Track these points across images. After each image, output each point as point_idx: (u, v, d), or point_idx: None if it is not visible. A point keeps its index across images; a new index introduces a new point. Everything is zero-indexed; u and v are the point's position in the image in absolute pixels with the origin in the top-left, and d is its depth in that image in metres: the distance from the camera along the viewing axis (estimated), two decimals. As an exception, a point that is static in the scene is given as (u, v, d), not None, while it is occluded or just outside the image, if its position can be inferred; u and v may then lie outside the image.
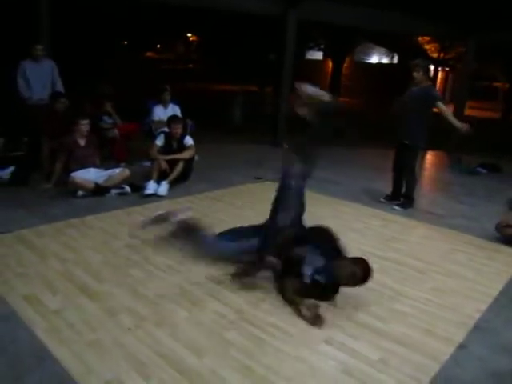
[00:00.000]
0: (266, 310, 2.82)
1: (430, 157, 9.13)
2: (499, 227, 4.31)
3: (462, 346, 2.58)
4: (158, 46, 31.24)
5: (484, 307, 3.03)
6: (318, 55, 26.01)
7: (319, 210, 4.86)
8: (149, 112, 6.60)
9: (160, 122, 6.31)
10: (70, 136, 4.94)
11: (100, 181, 4.86)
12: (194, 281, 3.13)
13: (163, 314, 2.70)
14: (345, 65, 19.93)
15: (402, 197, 5.30)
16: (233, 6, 8.10)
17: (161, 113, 6.50)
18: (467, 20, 8.87)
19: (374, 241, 4.12)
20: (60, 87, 5.94)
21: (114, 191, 4.90)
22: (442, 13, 8.71)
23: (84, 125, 4.93)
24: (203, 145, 6.85)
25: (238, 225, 3.54)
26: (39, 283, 2.95)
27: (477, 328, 2.78)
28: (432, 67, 21.27)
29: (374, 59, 27.48)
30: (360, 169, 7.30)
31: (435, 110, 5.03)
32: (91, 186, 4.76)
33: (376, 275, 3.38)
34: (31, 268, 3.15)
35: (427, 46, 19.42)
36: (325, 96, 3.06)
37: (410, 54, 15.28)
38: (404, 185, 5.28)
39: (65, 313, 2.63)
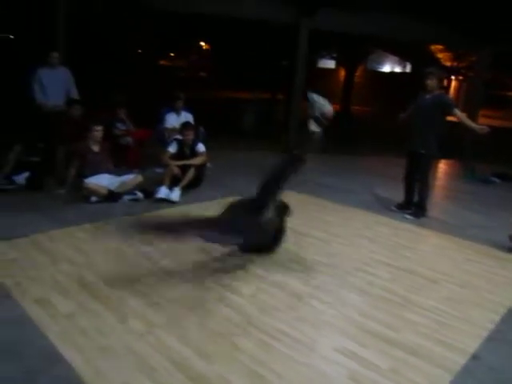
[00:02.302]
0: (276, 316, 2.81)
1: (442, 165, 9.06)
2: (513, 237, 4.25)
3: (474, 357, 2.54)
4: (172, 54, 31.52)
5: (497, 318, 2.99)
6: (331, 64, 26.04)
7: (329, 218, 4.86)
8: (162, 119, 6.66)
9: (173, 130, 6.36)
10: (83, 142, 5.01)
11: (113, 187, 4.91)
12: (206, 287, 3.14)
13: (174, 320, 2.71)
14: (357, 73, 19.90)
15: (413, 206, 5.26)
16: (246, 14, 8.18)
17: (174, 120, 6.55)
18: (481, 29, 8.83)
19: (384, 249, 4.09)
20: (75, 94, 6.03)
21: (126, 197, 4.94)
22: (455, 21, 8.68)
23: (98, 131, 4.99)
24: (216, 152, 6.89)
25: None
26: (51, 287, 2.98)
27: (490, 339, 2.74)
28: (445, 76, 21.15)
29: (386, 68, 27.42)
30: (371, 177, 7.27)
31: (450, 117, 5.00)
32: (104, 191, 4.81)
33: (387, 284, 3.38)
34: (44, 272, 3.19)
35: (440, 55, 19.30)
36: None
37: (423, 62, 15.21)
38: (416, 193, 5.25)
39: (77, 317, 2.66)
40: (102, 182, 4.88)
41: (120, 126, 6.33)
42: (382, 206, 5.48)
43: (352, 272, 3.54)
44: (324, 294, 3.16)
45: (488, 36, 8.93)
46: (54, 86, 5.87)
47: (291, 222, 4.32)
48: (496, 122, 20.01)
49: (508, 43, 9.03)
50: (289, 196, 5.56)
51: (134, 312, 2.76)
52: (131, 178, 5.02)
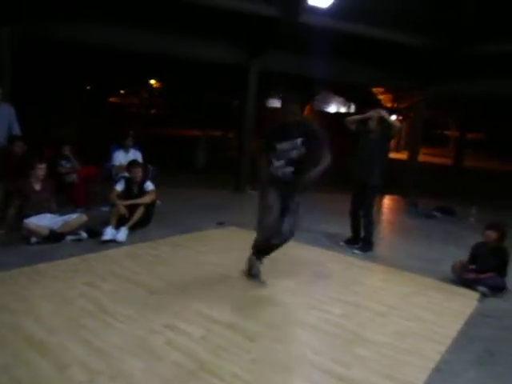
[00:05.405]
0: (227, 358, 2.73)
1: (386, 201, 9.42)
2: (455, 269, 4.43)
3: (423, 390, 2.57)
4: (122, 91, 31.40)
5: (444, 349, 3.06)
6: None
7: (279, 255, 4.86)
8: (110, 156, 6.54)
9: (121, 167, 6.25)
10: (24, 180, 4.80)
11: (55, 227, 4.69)
12: (153, 330, 3.01)
13: (119, 367, 2.56)
14: (305, 113, 20.64)
15: (361, 240, 5.39)
16: (197, 56, 8.35)
17: (122, 157, 6.45)
18: (419, 72, 9.47)
19: (335, 285, 4.13)
20: (17, 130, 5.81)
21: (69, 237, 4.73)
22: (397, 65, 9.28)
23: (41, 169, 4.80)
24: (165, 189, 6.81)
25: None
26: (-16, 337, 2.76)
27: (437, 370, 2.79)
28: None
29: (332, 108, 28.64)
30: (318, 213, 7.38)
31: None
32: (45, 231, 4.58)
33: (337, 319, 3.40)
34: (-24, 320, 2.95)
35: (381, 97, 20.49)
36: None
37: (366, 103, 16.07)
38: (363, 229, 5.39)
39: (11, 369, 2.45)
40: (44, 221, 4.66)
41: (65, 163, 6.15)
42: (331, 242, 5.58)
43: (304, 309, 3.53)
44: (276, 332, 3.12)
45: (426, 78, 9.59)
46: (-4, 122, 5.64)
47: (240, 261, 4.26)
48: (436, 160, 21.27)
49: (445, 85, 9.70)
50: (237, 232, 5.58)
51: (75, 359, 2.59)
52: (75, 218, 4.82)
